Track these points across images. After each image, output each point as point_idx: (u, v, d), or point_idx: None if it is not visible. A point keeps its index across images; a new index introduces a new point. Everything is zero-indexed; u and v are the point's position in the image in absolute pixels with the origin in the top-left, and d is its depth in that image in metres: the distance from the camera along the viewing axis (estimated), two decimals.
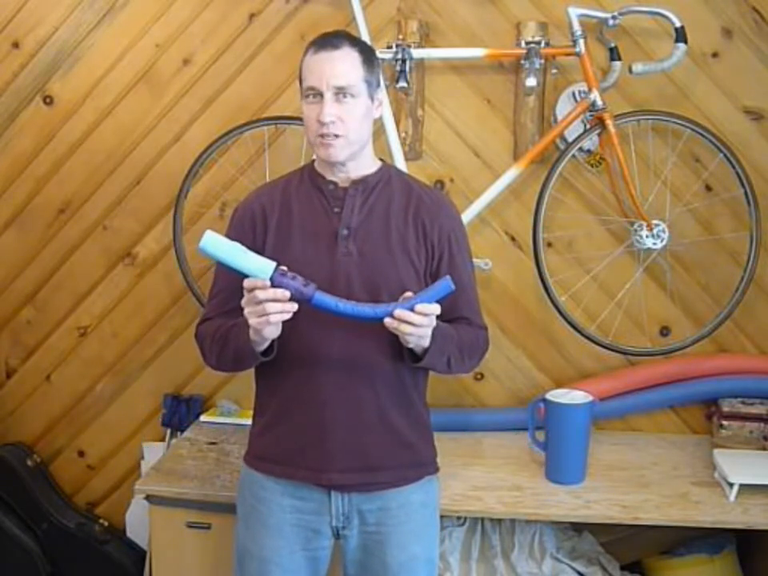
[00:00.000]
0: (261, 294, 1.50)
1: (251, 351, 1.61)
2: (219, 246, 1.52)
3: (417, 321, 1.53)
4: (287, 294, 1.51)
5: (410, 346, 1.60)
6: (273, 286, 1.51)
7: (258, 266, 1.51)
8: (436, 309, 1.55)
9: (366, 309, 1.55)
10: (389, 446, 1.71)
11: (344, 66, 1.63)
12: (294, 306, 1.52)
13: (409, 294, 1.57)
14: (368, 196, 1.71)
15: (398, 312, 1.52)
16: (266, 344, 1.61)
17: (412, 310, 1.53)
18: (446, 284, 1.55)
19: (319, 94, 1.63)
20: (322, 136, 1.64)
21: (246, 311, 1.55)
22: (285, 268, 1.53)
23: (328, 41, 1.65)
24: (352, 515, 1.71)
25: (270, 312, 1.51)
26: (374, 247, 1.68)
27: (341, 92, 1.62)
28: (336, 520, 1.71)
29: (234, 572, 1.81)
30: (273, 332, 1.57)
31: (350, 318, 1.56)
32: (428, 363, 1.64)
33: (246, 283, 1.52)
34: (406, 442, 1.72)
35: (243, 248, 1.53)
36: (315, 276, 1.62)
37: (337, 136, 1.63)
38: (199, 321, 1.79)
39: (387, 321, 1.53)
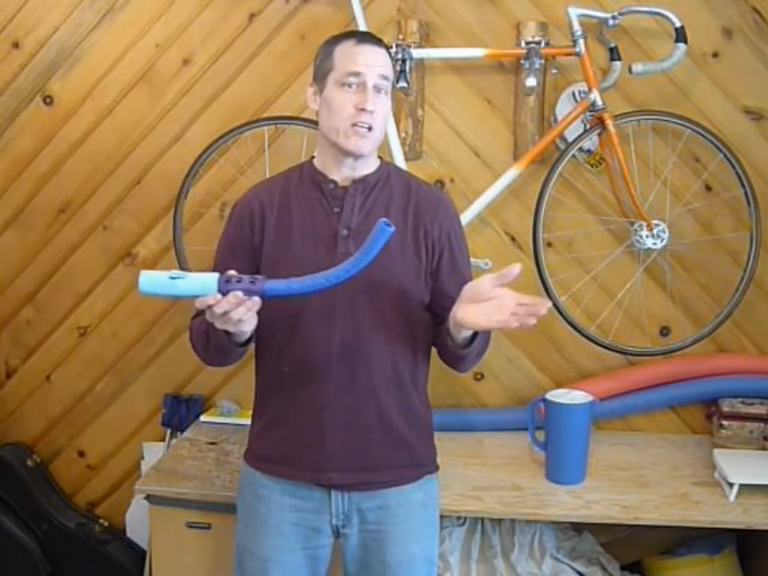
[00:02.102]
0: (217, 309, 1.47)
1: (230, 343, 1.60)
2: (156, 280, 1.48)
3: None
4: (239, 294, 1.46)
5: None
6: (223, 294, 1.47)
7: (201, 284, 1.47)
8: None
9: (320, 279, 1.49)
10: (388, 446, 1.70)
11: (386, 60, 1.69)
12: (257, 300, 1.48)
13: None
14: (368, 195, 1.71)
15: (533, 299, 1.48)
16: (247, 335, 1.60)
17: (365, 264, 1.47)
18: (382, 228, 1.44)
19: (362, 83, 1.64)
20: (356, 125, 1.64)
21: (216, 324, 1.52)
22: (232, 272, 1.49)
23: (368, 36, 1.71)
24: (352, 514, 1.71)
25: (236, 318, 1.48)
26: None
27: (381, 84, 1.65)
28: (336, 519, 1.71)
29: (234, 571, 1.81)
30: (250, 325, 1.54)
31: (310, 295, 1.52)
32: (473, 350, 1.63)
33: (198, 305, 1.49)
34: (405, 441, 1.72)
35: (180, 272, 1.49)
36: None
37: (370, 128, 1.65)
38: (192, 317, 1.77)
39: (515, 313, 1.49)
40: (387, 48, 1.72)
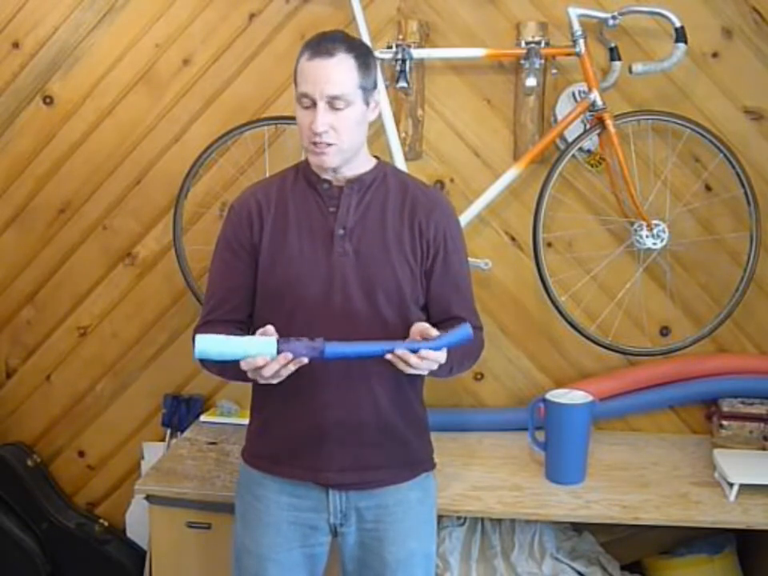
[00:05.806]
0: (267, 372, 1.51)
1: (250, 378, 1.61)
2: (215, 345, 1.50)
3: (414, 364, 1.52)
4: (289, 356, 1.50)
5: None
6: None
7: (260, 350, 1.50)
8: (441, 357, 1.54)
9: (383, 346, 1.53)
10: (386, 445, 1.71)
11: (338, 74, 1.59)
12: (304, 361, 1.52)
13: (433, 333, 1.54)
14: (363, 195, 1.71)
15: (400, 352, 1.51)
16: None
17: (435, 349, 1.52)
18: (465, 332, 1.53)
19: (312, 102, 1.61)
20: (315, 144, 1.62)
21: (259, 381, 1.55)
22: (291, 340, 1.51)
23: (323, 46, 1.60)
24: (350, 513, 1.71)
25: (284, 375, 1.54)
26: (370, 246, 1.68)
27: (334, 101, 1.60)
28: (334, 517, 1.72)
29: (232, 570, 1.81)
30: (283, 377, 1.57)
31: (368, 358, 1.55)
32: (430, 375, 1.63)
33: (245, 366, 1.52)
34: (403, 440, 1.73)
35: (239, 337, 1.51)
36: (312, 275, 1.64)
37: (329, 144, 1.62)
38: (197, 324, 1.77)
39: (389, 357, 1.52)
40: (351, 50, 1.61)
